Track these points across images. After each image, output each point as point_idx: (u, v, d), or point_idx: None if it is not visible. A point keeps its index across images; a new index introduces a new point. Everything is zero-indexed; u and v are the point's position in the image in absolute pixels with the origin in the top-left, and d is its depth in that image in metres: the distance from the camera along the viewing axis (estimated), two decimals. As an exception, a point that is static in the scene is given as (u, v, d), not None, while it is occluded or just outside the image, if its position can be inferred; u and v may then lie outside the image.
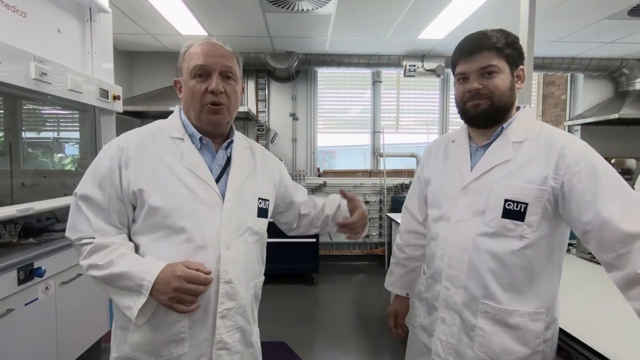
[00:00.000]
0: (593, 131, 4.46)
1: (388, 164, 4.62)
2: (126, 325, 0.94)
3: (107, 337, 2.33)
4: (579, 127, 4.56)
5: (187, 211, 0.92)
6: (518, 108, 1.03)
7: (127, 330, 0.94)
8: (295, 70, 4.40)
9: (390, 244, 4.39)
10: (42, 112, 2.37)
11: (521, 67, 1.00)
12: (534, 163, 0.93)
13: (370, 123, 4.80)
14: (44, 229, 2.05)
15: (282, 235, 1.35)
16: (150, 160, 0.94)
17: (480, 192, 0.98)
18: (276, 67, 4.20)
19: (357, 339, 2.75)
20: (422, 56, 4.23)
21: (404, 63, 4.23)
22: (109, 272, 0.87)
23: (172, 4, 2.95)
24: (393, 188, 4.66)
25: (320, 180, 4.60)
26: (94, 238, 0.90)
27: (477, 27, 3.36)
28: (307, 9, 3.04)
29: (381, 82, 4.70)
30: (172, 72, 4.58)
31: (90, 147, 2.31)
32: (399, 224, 2.83)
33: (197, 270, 0.87)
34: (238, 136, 1.08)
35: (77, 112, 2.34)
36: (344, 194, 1.15)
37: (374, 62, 4.27)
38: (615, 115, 3.91)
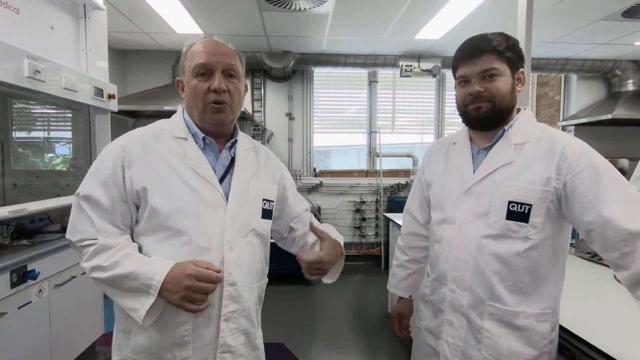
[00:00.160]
0: (586, 131, 4.50)
1: (384, 164, 4.63)
2: (128, 328, 0.92)
3: (101, 340, 2.29)
4: (573, 127, 4.61)
5: (189, 212, 0.90)
6: (518, 110, 1.04)
7: (129, 333, 0.92)
8: (291, 69, 4.38)
9: (387, 243, 4.39)
10: (34, 111, 2.32)
11: (521, 69, 1.00)
12: (536, 164, 0.93)
13: (366, 123, 4.81)
14: (37, 231, 2.01)
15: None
16: (153, 160, 0.92)
17: (483, 195, 0.98)
18: (272, 67, 4.17)
19: (355, 340, 2.74)
20: (419, 56, 4.23)
21: (401, 63, 4.23)
22: (114, 274, 0.85)
23: (168, 2, 2.92)
24: (389, 188, 4.66)
25: (317, 180, 4.59)
26: (96, 239, 0.87)
27: (474, 27, 3.37)
28: (305, 8, 3.02)
29: (377, 82, 4.70)
30: (167, 71, 4.56)
31: (85, 146, 2.27)
32: (396, 223, 2.87)
33: (206, 268, 0.86)
34: (242, 136, 1.07)
35: (70, 111, 2.30)
36: (312, 229, 1.08)
37: (371, 62, 4.27)
38: (609, 116, 3.95)
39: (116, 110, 2.33)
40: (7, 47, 1.51)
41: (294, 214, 1.15)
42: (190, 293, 0.83)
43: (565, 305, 1.01)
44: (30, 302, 1.68)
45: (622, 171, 4.26)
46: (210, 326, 0.91)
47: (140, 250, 0.92)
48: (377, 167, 4.65)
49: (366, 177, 4.69)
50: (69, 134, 2.45)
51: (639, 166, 2.71)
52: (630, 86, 4.41)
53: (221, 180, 0.96)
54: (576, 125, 4.51)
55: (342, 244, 1.09)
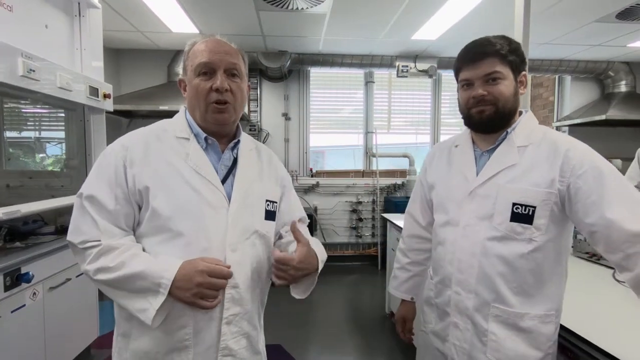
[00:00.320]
0: (580, 132, 4.55)
1: (380, 164, 4.63)
2: (128, 332, 0.90)
3: (97, 342, 2.26)
4: (567, 128, 4.66)
5: (191, 213, 0.89)
6: (520, 113, 1.04)
7: (128, 337, 0.90)
8: (287, 69, 4.36)
9: (383, 244, 4.40)
10: (28, 110, 2.28)
11: (523, 72, 1.01)
12: (539, 167, 0.94)
13: (362, 123, 4.81)
14: (31, 232, 1.97)
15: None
16: (155, 161, 0.91)
17: (487, 197, 0.98)
18: (268, 67, 4.16)
19: (352, 340, 2.73)
20: (415, 57, 4.24)
21: (397, 63, 4.24)
22: (121, 274, 0.83)
23: (164, 0, 2.88)
24: (386, 188, 4.67)
25: (313, 181, 4.58)
26: (100, 241, 0.85)
27: (470, 28, 3.38)
28: (302, 8, 3.01)
29: (374, 82, 4.70)
30: (162, 70, 4.51)
31: (79, 146, 2.23)
32: (394, 224, 2.87)
33: (216, 265, 0.85)
34: (245, 137, 1.05)
35: (65, 110, 2.26)
36: (293, 230, 0.97)
37: (367, 62, 4.27)
38: (603, 117, 4.00)
39: (112, 110, 2.30)
40: (0, 45, 1.48)
41: (286, 220, 1.10)
42: (202, 289, 0.82)
43: (565, 305, 1.02)
44: (24, 305, 1.65)
45: (616, 171, 4.28)
46: (211, 329, 0.90)
47: (143, 251, 0.90)
48: (374, 168, 4.66)
49: (362, 177, 4.69)
50: (63, 134, 2.41)
51: (632, 166, 2.75)
52: (622, 87, 4.47)
53: (223, 181, 0.95)
54: (570, 125, 4.56)
55: (320, 259, 0.99)
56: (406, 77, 4.31)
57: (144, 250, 0.90)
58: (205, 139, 0.96)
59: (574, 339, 1.03)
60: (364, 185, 4.63)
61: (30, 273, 1.63)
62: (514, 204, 0.94)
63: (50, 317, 1.82)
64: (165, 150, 0.93)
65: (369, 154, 4.78)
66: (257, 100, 4.53)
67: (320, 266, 1.00)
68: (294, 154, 4.66)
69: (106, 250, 0.85)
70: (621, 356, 0.90)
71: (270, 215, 1.02)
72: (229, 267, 0.86)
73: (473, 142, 1.08)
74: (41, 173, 2.34)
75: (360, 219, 4.64)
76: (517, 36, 1.95)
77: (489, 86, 0.96)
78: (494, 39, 0.98)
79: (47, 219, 2.12)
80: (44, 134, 2.47)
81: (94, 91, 2.08)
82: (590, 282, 1.53)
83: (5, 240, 1.82)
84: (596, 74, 4.49)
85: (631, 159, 2.77)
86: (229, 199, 0.93)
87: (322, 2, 2.89)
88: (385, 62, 4.26)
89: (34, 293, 1.71)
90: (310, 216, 4.16)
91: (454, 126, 4.98)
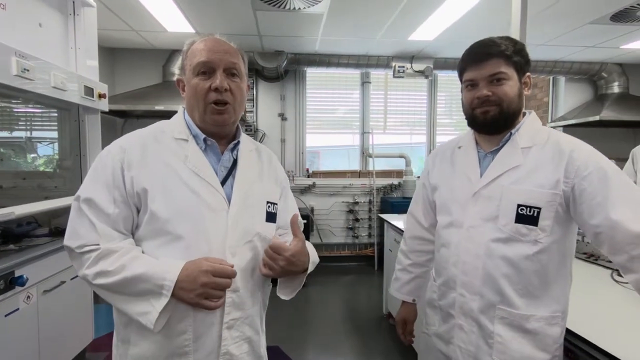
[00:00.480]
0: (574, 133, 4.53)
1: (375, 165, 4.63)
2: (127, 337, 0.89)
3: (92, 346, 2.23)
4: (561, 128, 4.70)
5: (190, 216, 0.87)
6: (524, 114, 1.04)
7: (128, 343, 0.88)
8: (284, 69, 4.35)
9: (380, 244, 4.40)
10: (21, 110, 2.24)
11: (528, 73, 1.01)
12: (544, 168, 0.94)
13: (358, 124, 4.80)
14: (25, 234, 1.94)
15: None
16: (153, 163, 0.89)
17: (491, 198, 0.98)
18: (265, 67, 4.14)
19: (350, 341, 2.73)
20: (411, 57, 4.25)
21: (393, 64, 4.24)
22: (121, 277, 0.81)
23: None
24: (382, 189, 4.67)
25: (310, 181, 4.56)
26: (98, 245, 0.83)
27: (467, 29, 3.39)
28: (299, 8, 3.00)
29: (370, 82, 4.71)
30: (157, 70, 4.48)
31: (74, 147, 2.20)
32: (391, 224, 2.87)
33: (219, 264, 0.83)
34: (244, 137, 1.04)
35: (59, 110, 2.22)
36: (292, 224, 0.96)
37: (364, 62, 4.27)
38: (597, 117, 4.04)
39: (107, 110, 2.27)
40: (-7, 44, 1.45)
41: (282, 223, 1.07)
42: (207, 290, 0.81)
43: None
44: (18, 309, 1.62)
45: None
46: (212, 334, 0.88)
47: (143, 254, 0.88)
48: (370, 168, 4.66)
49: (359, 177, 4.69)
50: (57, 134, 2.37)
51: (626, 167, 2.78)
52: (615, 88, 4.52)
53: (223, 183, 0.93)
54: (564, 126, 4.60)
55: (312, 261, 0.97)
56: (402, 77, 4.32)
57: (143, 253, 0.88)
58: (204, 140, 0.94)
59: (573, 338, 1.03)
60: (360, 186, 4.63)
61: (25, 276, 1.60)
62: (518, 205, 0.93)
63: (44, 320, 1.79)
64: (164, 152, 0.91)
65: (365, 154, 4.78)
66: (253, 100, 4.51)
67: (311, 268, 0.98)
68: (290, 155, 4.65)
69: (105, 253, 0.83)
70: (620, 355, 0.91)
71: (271, 217, 1.00)
72: (232, 266, 0.85)
73: (476, 143, 1.08)
74: (35, 174, 2.30)
75: (357, 220, 4.64)
76: (513, 37, 1.95)
77: (494, 87, 0.96)
78: (498, 40, 0.98)
79: (41, 221, 2.09)
80: (38, 134, 2.43)
81: (89, 91, 2.06)
82: (588, 282, 1.53)
83: (-2, 243, 1.79)
84: (590, 75, 4.54)
85: (624, 159, 2.81)
86: (229, 201, 0.92)
87: (320, 2, 2.88)
88: (382, 62, 4.26)
89: (28, 296, 1.68)
90: (306, 217, 4.14)
91: (449, 127, 5.00)
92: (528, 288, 0.94)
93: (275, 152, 4.54)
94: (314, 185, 4.55)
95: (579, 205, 0.90)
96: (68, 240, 0.86)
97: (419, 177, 4.63)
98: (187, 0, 2.89)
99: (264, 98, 4.58)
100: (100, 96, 2.17)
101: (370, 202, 4.65)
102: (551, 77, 4.78)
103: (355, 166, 4.86)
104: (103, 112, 2.30)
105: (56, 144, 2.34)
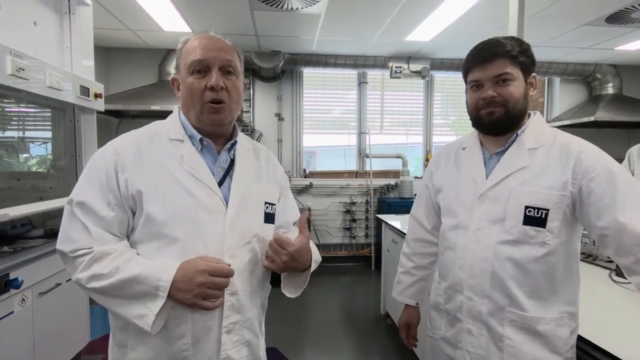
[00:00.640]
0: (569, 133, 4.62)
1: (372, 165, 4.63)
2: (124, 342, 0.87)
3: (87, 348, 2.20)
4: (556, 129, 4.73)
5: (187, 218, 0.85)
6: (529, 115, 1.03)
7: (125, 347, 0.87)
8: (280, 70, 4.34)
9: (377, 244, 4.40)
10: (16, 109, 2.21)
11: (533, 74, 0.99)
12: (551, 169, 0.93)
13: (355, 124, 4.80)
14: (19, 236, 1.91)
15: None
16: (148, 164, 0.87)
17: (498, 200, 0.97)
18: (262, 67, 4.12)
19: (348, 341, 2.72)
20: (408, 58, 4.26)
21: (390, 64, 4.25)
22: (116, 280, 0.79)
23: (156, -1, 2.83)
24: (379, 189, 4.67)
25: (307, 182, 4.56)
26: (92, 248, 0.81)
27: (464, 30, 3.39)
28: (297, 8, 2.99)
29: (367, 83, 4.70)
30: (153, 70, 4.44)
31: (69, 147, 2.17)
32: (389, 224, 2.87)
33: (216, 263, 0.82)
34: (242, 137, 1.02)
35: (55, 110, 2.20)
36: (301, 220, 0.95)
37: (361, 62, 4.27)
38: (591, 118, 4.08)
39: (103, 109, 2.25)
40: (-12, 43, 1.43)
41: (281, 222, 1.07)
42: (205, 289, 0.79)
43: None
44: (13, 312, 1.59)
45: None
46: (210, 339, 0.86)
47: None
48: (367, 168, 4.66)
49: (356, 178, 4.68)
50: (52, 134, 2.34)
51: (622, 167, 2.81)
52: (610, 89, 4.56)
53: (220, 184, 0.91)
54: (560, 127, 4.63)
55: (314, 259, 0.98)
56: (399, 78, 4.33)
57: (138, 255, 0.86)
58: (201, 140, 0.92)
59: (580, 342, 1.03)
60: (357, 186, 4.63)
61: (20, 279, 1.58)
62: (526, 207, 0.92)
63: (39, 323, 1.76)
64: (159, 153, 0.89)
65: (362, 154, 4.78)
66: (249, 100, 4.50)
67: (314, 266, 0.97)
68: (287, 155, 4.63)
69: (99, 256, 0.81)
70: (619, 354, 0.92)
71: (269, 218, 0.99)
72: (229, 265, 0.84)
73: (481, 144, 1.06)
74: (29, 175, 2.27)
75: (354, 220, 4.64)
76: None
77: (499, 87, 0.95)
78: (504, 40, 0.96)
79: (36, 222, 2.06)
80: (33, 134, 2.40)
81: (84, 91, 2.03)
82: (586, 282, 1.52)
83: (-8, 245, 1.76)
84: (584, 76, 4.58)
85: (619, 160, 2.83)
86: (227, 203, 0.90)
87: (317, 2, 2.87)
88: (379, 62, 4.27)
89: (23, 299, 1.66)
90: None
91: (445, 127, 5.01)
92: (536, 290, 0.93)
93: (272, 152, 4.54)
94: (311, 185, 4.55)
95: (586, 206, 0.89)
96: (61, 244, 0.84)
97: (416, 177, 4.66)
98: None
99: (260, 98, 4.56)
100: (96, 96, 2.14)
101: (367, 202, 4.65)
102: (546, 78, 4.82)
103: (351, 166, 4.86)
104: (98, 112, 2.28)
105: (51, 145, 2.31)
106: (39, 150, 2.40)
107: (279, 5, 2.93)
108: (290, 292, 0.99)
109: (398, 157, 4.63)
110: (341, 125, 4.88)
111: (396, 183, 4.67)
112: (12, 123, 2.23)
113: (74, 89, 1.96)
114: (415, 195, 4.44)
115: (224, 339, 0.87)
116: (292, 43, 3.89)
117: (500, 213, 0.96)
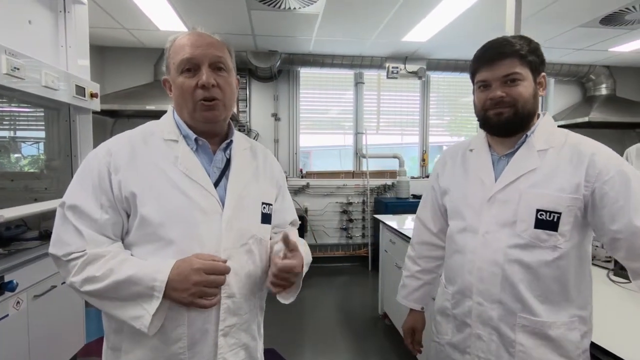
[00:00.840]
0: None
1: (368, 165, 4.64)
2: (118, 345, 0.85)
3: (83, 350, 2.18)
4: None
5: (182, 220, 0.83)
6: (538, 115, 1.00)
7: (119, 351, 0.85)
8: (277, 69, 4.32)
9: (374, 244, 4.41)
10: (9, 109, 2.17)
11: (543, 73, 0.97)
12: (563, 171, 0.91)
13: (352, 124, 4.80)
14: (13, 238, 1.88)
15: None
16: (142, 165, 0.85)
17: (507, 203, 0.94)
18: (258, 67, 4.11)
19: (346, 342, 2.72)
20: (405, 58, 4.27)
21: (387, 65, 4.26)
22: (110, 282, 0.78)
23: (152, -3, 2.81)
24: (376, 189, 4.68)
25: (304, 182, 4.55)
26: (85, 251, 0.80)
27: (461, 31, 3.40)
28: (294, 8, 2.98)
29: (363, 83, 4.71)
30: (149, 69, 4.41)
31: (65, 147, 2.14)
32: (386, 225, 2.87)
33: (211, 260, 0.81)
34: (238, 135, 1.00)
35: (50, 110, 2.16)
36: (285, 241, 0.88)
37: (357, 63, 4.27)
38: (585, 119, 4.12)
39: (99, 109, 2.22)
40: (-18, 42, 1.40)
41: (278, 221, 1.06)
42: (201, 288, 0.78)
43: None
44: (7, 315, 1.56)
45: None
46: (207, 342, 0.85)
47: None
48: (364, 168, 4.66)
49: (353, 178, 4.69)
50: (48, 134, 2.31)
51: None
52: (603, 90, 4.62)
53: (216, 184, 0.90)
54: (554, 127, 4.67)
55: (305, 262, 0.95)
56: (396, 78, 4.34)
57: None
58: (196, 140, 0.90)
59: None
60: (354, 186, 4.63)
61: (15, 281, 1.55)
62: (538, 210, 0.90)
63: (34, 326, 1.73)
64: (153, 153, 0.87)
65: (359, 154, 4.78)
66: (246, 100, 4.48)
67: (305, 269, 0.96)
68: (283, 155, 4.62)
69: (92, 259, 0.79)
70: (618, 353, 0.92)
71: (266, 218, 0.97)
72: (225, 261, 0.82)
73: (489, 146, 1.04)
74: (23, 175, 2.23)
75: (351, 220, 4.64)
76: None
77: (508, 87, 0.92)
78: (512, 39, 0.94)
79: (31, 224, 2.03)
80: (28, 134, 2.36)
81: (80, 90, 2.00)
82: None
83: (-14, 247, 1.73)
84: (579, 77, 4.63)
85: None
86: (223, 204, 0.88)
87: (315, 2, 2.87)
88: (375, 63, 4.27)
89: (18, 302, 1.63)
90: (301, 217, 4.12)
91: (442, 127, 5.03)
92: (548, 295, 0.92)
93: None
94: (307, 185, 4.54)
95: (599, 209, 0.87)
96: (53, 248, 0.83)
97: (412, 178, 4.67)
98: (181, -2, 2.85)
99: (257, 98, 4.55)
100: (92, 96, 2.11)
101: (364, 202, 4.65)
102: (541, 79, 4.86)
103: (346, 166, 4.86)
104: (93, 112, 2.25)
105: (46, 145, 2.28)
106: (33, 150, 2.37)
107: (276, 5, 2.92)
108: (287, 298, 0.97)
109: (395, 157, 4.64)
110: (338, 126, 4.88)
111: (393, 183, 4.68)
112: (5, 123, 2.20)
113: (69, 89, 1.93)
114: (412, 195, 4.47)
115: (221, 342, 0.86)
116: (289, 43, 3.88)
117: (511, 216, 0.94)
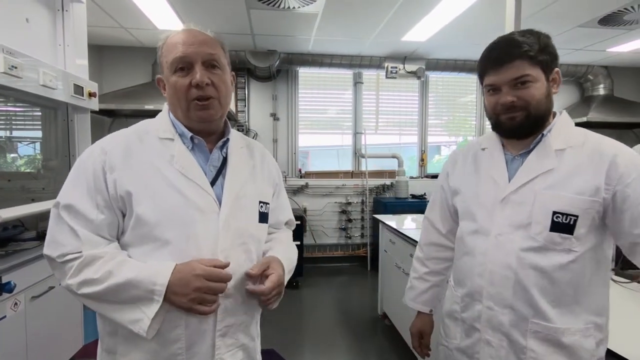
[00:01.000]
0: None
1: (365, 165, 4.63)
2: (113, 348, 0.84)
3: (81, 352, 2.16)
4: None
5: (179, 220, 0.82)
6: (554, 114, 0.96)
7: (114, 354, 0.84)
8: (276, 69, 4.31)
9: (373, 244, 4.40)
10: (5, 108, 2.15)
11: (556, 69, 0.91)
12: (581, 172, 0.86)
13: (350, 124, 4.80)
14: (11, 239, 1.86)
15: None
16: (138, 164, 0.84)
17: (522, 204, 0.90)
18: (257, 66, 4.10)
19: (346, 342, 2.71)
20: (404, 58, 4.27)
21: (386, 65, 4.25)
22: (109, 284, 0.76)
23: (150, -4, 2.79)
24: (374, 189, 4.67)
25: (302, 182, 4.54)
26: (81, 252, 0.78)
27: (460, 31, 3.39)
28: (294, 7, 2.97)
29: (362, 83, 4.70)
30: (147, 69, 4.39)
31: (63, 147, 2.12)
32: (385, 224, 2.86)
33: (214, 266, 0.80)
34: (234, 134, 0.99)
35: (47, 109, 2.15)
36: (249, 276, 0.88)
37: (356, 62, 4.27)
38: (584, 119, 4.13)
39: (97, 109, 2.21)
40: (-21, 40, 1.39)
41: (273, 222, 1.05)
42: (201, 294, 0.77)
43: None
44: (5, 316, 1.55)
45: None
46: (205, 343, 0.84)
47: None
48: (363, 168, 4.66)
49: (352, 178, 4.68)
50: (46, 134, 2.29)
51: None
52: (601, 90, 4.63)
53: (213, 183, 0.88)
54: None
55: (287, 271, 0.96)
56: (395, 78, 4.34)
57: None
58: (191, 138, 0.89)
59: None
60: (353, 186, 4.63)
61: (12, 282, 1.53)
62: (554, 213, 0.86)
63: (32, 328, 1.72)
64: (148, 152, 0.86)
65: (357, 154, 4.78)
66: (245, 100, 4.46)
67: (287, 277, 0.96)
68: (282, 155, 4.61)
69: (89, 260, 0.78)
70: (620, 352, 0.92)
71: (263, 217, 0.96)
72: (226, 265, 0.82)
73: (502, 145, 1.00)
74: (21, 175, 2.22)
75: (350, 220, 4.63)
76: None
77: (518, 91, 0.88)
78: (521, 37, 0.88)
79: (28, 224, 2.01)
80: (25, 133, 2.34)
81: (78, 89, 1.99)
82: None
83: (-17, 248, 1.71)
84: (577, 77, 4.64)
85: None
86: (220, 203, 0.87)
87: (314, 1, 2.86)
88: (374, 63, 4.27)
89: (15, 303, 1.61)
90: (300, 217, 4.11)
91: (440, 127, 5.02)
92: (562, 299, 0.88)
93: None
94: (306, 185, 4.53)
95: (620, 213, 0.84)
96: (47, 249, 0.81)
97: (411, 178, 4.67)
98: (179, -3, 2.84)
99: (255, 98, 4.53)
100: (90, 95, 2.10)
101: (363, 202, 4.65)
102: (539, 79, 4.87)
103: (345, 166, 4.85)
104: (91, 112, 2.23)
105: (44, 144, 2.26)
106: (31, 150, 2.35)
107: (275, 4, 2.91)
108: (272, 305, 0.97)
109: (393, 157, 4.63)
110: (336, 126, 4.87)
111: (392, 183, 4.67)
112: (1, 123, 2.18)
113: (67, 88, 1.92)
114: (410, 195, 4.47)
115: (218, 343, 0.85)
116: (288, 42, 3.87)
117: (525, 218, 0.89)
